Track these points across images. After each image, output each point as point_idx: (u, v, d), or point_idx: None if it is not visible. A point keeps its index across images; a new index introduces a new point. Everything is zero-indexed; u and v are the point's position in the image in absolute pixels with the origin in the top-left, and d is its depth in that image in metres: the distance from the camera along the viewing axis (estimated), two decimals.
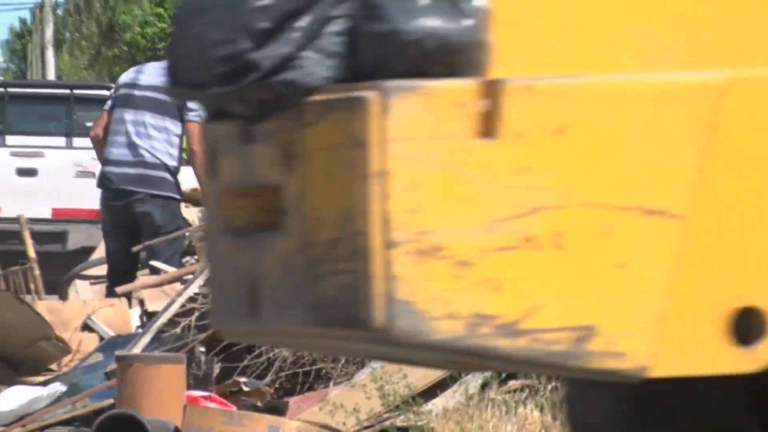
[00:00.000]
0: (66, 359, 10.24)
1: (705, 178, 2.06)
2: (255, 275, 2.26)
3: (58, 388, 9.00)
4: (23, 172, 20.58)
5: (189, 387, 7.59)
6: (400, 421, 7.46)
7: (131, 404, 7.09)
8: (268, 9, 2.11)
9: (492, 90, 2.00)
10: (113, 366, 8.12)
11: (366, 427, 7.34)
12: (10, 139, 21.28)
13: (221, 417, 6.82)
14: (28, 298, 12.16)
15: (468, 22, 2.05)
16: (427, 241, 1.99)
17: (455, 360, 2.22)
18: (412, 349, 2.10)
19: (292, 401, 7.86)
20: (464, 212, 2.00)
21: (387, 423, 7.30)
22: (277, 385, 8.21)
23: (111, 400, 7.81)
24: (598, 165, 2.04)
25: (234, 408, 7.41)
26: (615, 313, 2.05)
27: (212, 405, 7.27)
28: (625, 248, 2.05)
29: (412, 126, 1.98)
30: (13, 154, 20.80)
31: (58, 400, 8.75)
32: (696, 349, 2.12)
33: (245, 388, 8.08)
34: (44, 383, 9.53)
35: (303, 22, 2.10)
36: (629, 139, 2.05)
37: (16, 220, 14.92)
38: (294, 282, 2.16)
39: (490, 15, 2.06)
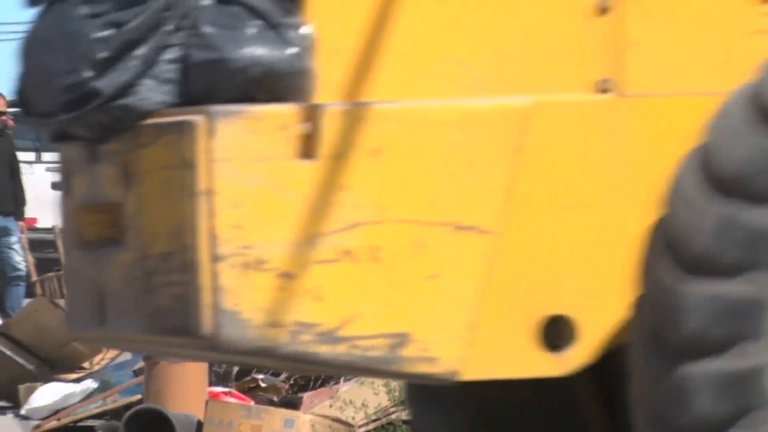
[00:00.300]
0: (97, 358, 10.82)
1: (512, 196, 2.21)
2: (102, 286, 2.38)
3: (90, 384, 9.48)
4: (57, 186, 21.14)
5: (211, 383, 7.92)
6: (405, 415, 7.72)
7: (158, 399, 7.47)
8: (108, 40, 2.23)
9: (312, 114, 2.14)
10: (141, 364, 8.45)
11: (373, 420, 7.62)
12: (46, 156, 22.07)
13: (240, 411, 7.16)
14: (62, 302, 12.65)
15: (292, 51, 2.19)
16: (251, 255, 2.12)
17: (282, 364, 2.35)
18: (238, 355, 2.23)
19: (306, 396, 8.11)
20: (286, 228, 2.14)
21: (393, 416, 7.61)
22: (291, 382, 8.46)
23: (139, 396, 8.30)
24: (412, 184, 2.19)
25: (252, 402, 7.76)
26: (428, 322, 2.20)
27: (232, 400, 7.60)
28: (436, 261, 2.19)
29: (237, 148, 2.12)
30: (48, 170, 21.44)
31: (91, 395, 9.24)
32: (507, 355, 2.26)
33: (262, 384, 8.39)
34: (77, 380, 10.03)
35: (140, 51, 2.23)
36: (441, 160, 2.20)
37: (51, 230, 16.55)
38: (133, 292, 2.28)
39: (314, 44, 2.20)
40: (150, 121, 2.22)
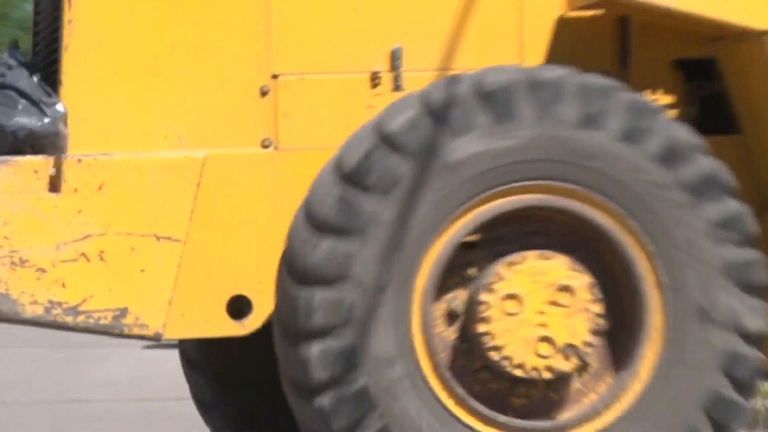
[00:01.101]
0: None
1: (194, 216, 3.24)
2: None
3: None
4: None
5: None
6: None
7: None
8: None
9: (57, 162, 3.16)
10: None
11: None
12: None
13: None
14: None
15: (48, 120, 3.20)
16: (17, 257, 3.13)
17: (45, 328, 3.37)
18: (13, 323, 3.26)
19: None
20: (41, 238, 3.15)
21: None
22: None
23: None
24: (126, 208, 3.21)
25: None
26: (139, 300, 3.22)
27: None
28: (144, 260, 3.22)
29: (5, 185, 3.13)
30: None
31: None
32: (202, 321, 3.29)
33: None
34: None
35: None
36: (146, 191, 3.23)
37: None
38: None
39: (65, 115, 3.23)
40: None
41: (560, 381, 3.17)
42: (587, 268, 3.16)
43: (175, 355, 4.63)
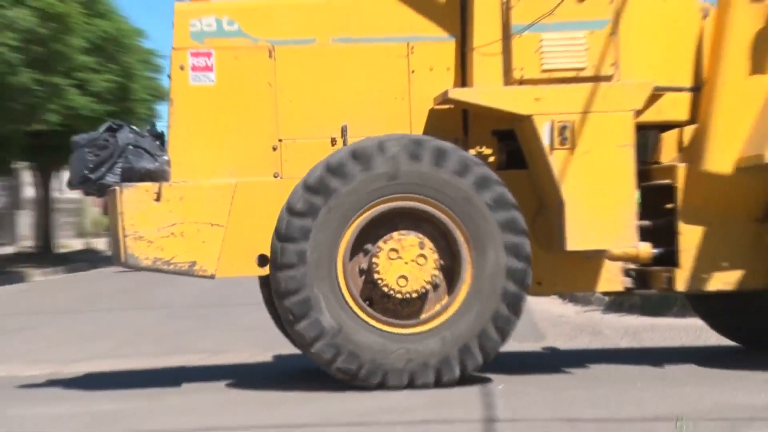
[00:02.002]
0: None
1: (231, 212, 6.04)
2: None
3: None
4: None
5: None
6: None
7: None
8: (95, 160, 6.15)
9: (159, 186, 6.01)
10: None
11: None
12: None
13: None
14: None
15: (158, 164, 6.07)
16: (138, 234, 5.99)
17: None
18: (136, 270, 6.10)
19: None
20: (150, 225, 6.00)
21: None
22: None
23: None
24: (196, 208, 6.03)
25: None
26: (202, 257, 6.05)
27: None
28: (204, 236, 6.03)
29: (133, 199, 5.98)
30: None
31: None
32: (239, 268, 6.07)
33: None
34: None
35: (107, 164, 6.11)
36: (206, 200, 6.05)
37: None
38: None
39: (169, 161, 6.08)
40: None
41: (421, 297, 5.82)
42: (435, 243, 5.83)
43: None
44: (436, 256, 5.81)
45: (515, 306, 5.81)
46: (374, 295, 5.90)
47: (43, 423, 5.48)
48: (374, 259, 5.79)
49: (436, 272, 5.82)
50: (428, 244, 5.81)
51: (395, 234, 5.82)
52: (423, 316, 5.86)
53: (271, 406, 5.82)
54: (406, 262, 5.76)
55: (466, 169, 5.73)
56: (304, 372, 6.83)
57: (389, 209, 5.83)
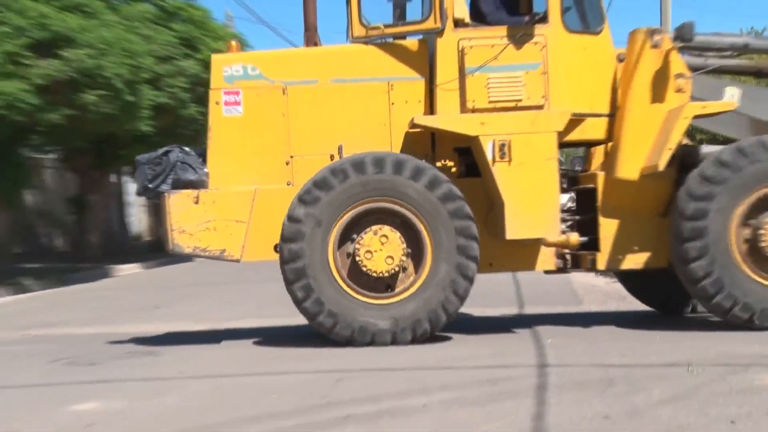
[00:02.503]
0: None
1: (252, 212, 7.88)
2: None
3: None
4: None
5: None
6: None
7: None
8: (151, 175, 8.05)
9: (197, 193, 7.89)
10: None
11: None
12: None
13: None
14: None
15: (198, 176, 7.95)
16: (182, 228, 7.87)
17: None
18: (177, 255, 7.97)
19: None
20: (191, 221, 7.87)
21: None
22: None
23: None
24: (226, 209, 7.89)
25: None
26: (231, 246, 7.93)
27: None
28: (232, 230, 7.90)
29: (178, 202, 7.86)
30: None
31: None
32: (260, 254, 7.92)
33: None
34: None
35: (162, 176, 8.00)
36: (233, 202, 7.92)
37: None
38: None
39: (207, 173, 7.95)
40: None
41: (393, 277, 7.53)
42: (403, 233, 7.50)
43: None
44: (404, 246, 7.53)
45: (467, 275, 7.46)
46: (358, 273, 7.55)
47: (220, 359, 7.68)
48: (357, 246, 7.49)
49: (404, 257, 7.51)
50: (398, 235, 7.50)
51: (373, 227, 7.50)
52: (398, 288, 7.55)
53: (382, 354, 7.24)
54: (378, 250, 7.49)
55: (419, 174, 7.44)
56: None
57: (364, 209, 7.54)
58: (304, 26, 8.83)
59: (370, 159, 7.49)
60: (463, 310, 8.16)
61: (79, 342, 9.33)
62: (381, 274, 7.50)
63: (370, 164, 7.46)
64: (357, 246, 7.51)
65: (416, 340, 7.44)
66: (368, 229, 7.52)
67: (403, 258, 7.51)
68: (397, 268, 7.51)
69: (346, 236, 7.59)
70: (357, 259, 7.50)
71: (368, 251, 7.49)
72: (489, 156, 7.60)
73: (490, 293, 11.08)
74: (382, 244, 7.49)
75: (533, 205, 7.64)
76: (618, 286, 11.23)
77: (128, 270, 21.84)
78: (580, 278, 13.39)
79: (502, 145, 7.57)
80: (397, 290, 7.56)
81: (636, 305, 9.74)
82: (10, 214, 20.56)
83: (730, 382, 5.78)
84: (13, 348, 9.23)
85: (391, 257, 7.48)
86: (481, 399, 5.67)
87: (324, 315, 7.42)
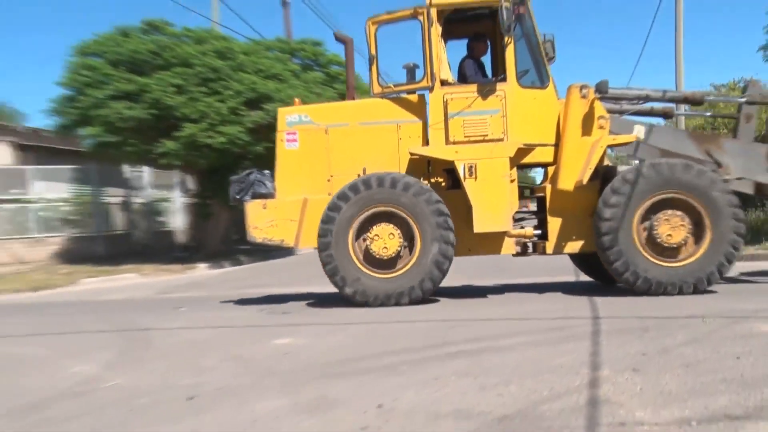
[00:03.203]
0: None
1: (303, 214, 11.23)
2: None
3: None
4: None
5: None
6: None
7: None
8: (237, 188, 11.60)
9: (264, 202, 11.33)
10: None
11: None
12: None
13: None
14: None
15: (268, 189, 11.39)
16: (255, 225, 11.30)
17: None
18: (256, 244, 11.42)
19: None
20: (261, 220, 11.30)
21: None
22: None
23: None
24: (284, 212, 11.26)
25: None
26: (288, 237, 11.38)
27: None
28: (289, 226, 11.26)
29: (253, 207, 11.32)
30: None
31: None
32: (310, 242, 11.26)
33: None
34: None
35: (242, 191, 11.52)
36: (289, 208, 11.30)
37: None
38: None
39: (275, 188, 11.40)
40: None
41: (394, 259, 10.65)
42: (400, 228, 10.61)
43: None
44: (401, 237, 10.67)
45: (447, 255, 10.36)
46: (370, 257, 10.64)
47: (371, 311, 10.03)
48: (367, 237, 10.61)
49: (401, 244, 10.65)
50: (398, 231, 10.69)
51: (382, 224, 10.64)
52: (398, 267, 10.64)
53: (482, 308, 9.41)
54: (383, 240, 10.62)
55: (408, 187, 10.44)
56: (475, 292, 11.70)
57: (372, 212, 10.63)
58: (346, 86, 12.05)
59: (374, 178, 10.52)
60: (535, 279, 12.27)
61: (276, 298, 12.63)
62: (385, 257, 10.54)
63: (374, 182, 10.47)
64: (368, 238, 10.61)
65: (412, 302, 10.34)
66: (376, 226, 10.51)
67: (401, 245, 10.58)
68: (396, 253, 10.56)
69: (361, 231, 10.57)
70: (369, 247, 10.59)
71: (376, 241, 10.54)
72: (462, 174, 10.58)
73: (553, 267, 14.24)
74: (386, 236, 10.55)
75: (492, 209, 10.51)
76: None
77: (306, 250, 26.18)
78: None
79: (470, 167, 10.59)
80: (397, 268, 10.48)
81: None
82: (230, 212, 26.33)
83: (734, 329, 6.91)
84: (233, 301, 12.61)
85: (393, 245, 10.49)
86: (552, 341, 6.95)
87: (348, 287, 10.56)
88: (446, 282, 11.22)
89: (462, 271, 13.97)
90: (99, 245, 26.39)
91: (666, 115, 11.65)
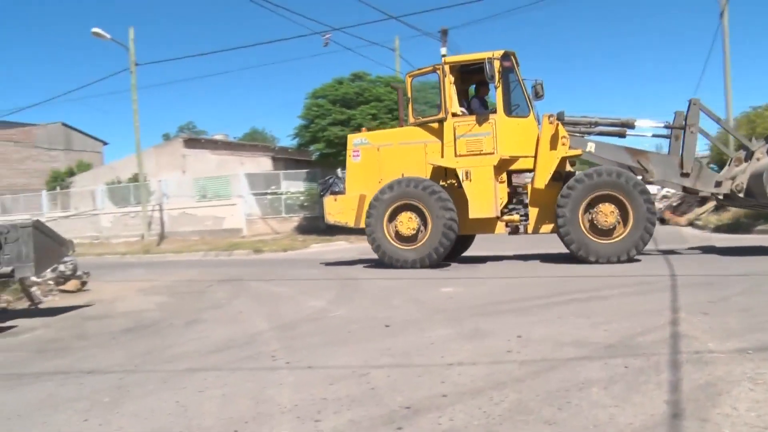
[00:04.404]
0: None
1: (361, 207, 15.82)
2: None
3: None
4: None
5: None
6: None
7: None
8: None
9: (338, 196, 16.10)
10: None
11: None
12: None
13: None
14: None
15: (341, 188, 16.18)
16: (329, 212, 16.06)
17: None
18: (330, 224, 16.13)
19: None
20: (333, 208, 16.02)
21: None
22: None
23: None
24: (346, 205, 15.92)
25: None
26: (350, 220, 16.01)
27: None
28: (352, 212, 15.91)
29: (329, 200, 16.08)
30: None
31: None
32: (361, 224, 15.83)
33: None
34: None
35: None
36: (349, 201, 15.96)
37: None
38: None
39: (345, 188, 16.12)
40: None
41: (414, 236, 14.95)
42: (417, 214, 14.85)
43: None
44: (418, 220, 14.96)
45: (452, 228, 14.47)
46: (398, 234, 14.98)
47: (504, 267, 13.73)
48: (395, 223, 14.96)
49: (419, 225, 14.92)
50: (417, 216, 14.99)
51: (404, 212, 15.02)
52: (417, 240, 14.89)
53: (584, 265, 12.24)
54: (405, 223, 14.94)
55: (420, 185, 14.68)
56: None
57: (398, 204, 14.90)
58: (399, 117, 16.59)
59: (400, 180, 14.88)
60: None
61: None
62: (409, 235, 14.86)
63: (400, 183, 14.84)
64: (397, 221, 14.89)
65: (427, 266, 14.49)
66: (401, 213, 14.85)
67: (419, 226, 14.88)
68: (416, 230, 14.86)
69: (392, 217, 14.94)
70: (397, 228, 14.88)
71: (402, 224, 14.84)
72: (461, 177, 14.74)
73: None
74: (409, 219, 14.84)
75: (482, 201, 14.57)
76: (705, 235, 17.65)
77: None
78: (686, 231, 20.69)
79: (467, 172, 14.74)
80: (417, 241, 14.83)
81: (717, 241, 15.85)
82: None
83: None
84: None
85: (412, 226, 14.77)
86: (641, 291, 8.08)
87: (386, 256, 14.88)
88: (546, 249, 15.56)
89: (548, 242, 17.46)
90: (321, 223, 31.89)
91: (622, 135, 15.17)
